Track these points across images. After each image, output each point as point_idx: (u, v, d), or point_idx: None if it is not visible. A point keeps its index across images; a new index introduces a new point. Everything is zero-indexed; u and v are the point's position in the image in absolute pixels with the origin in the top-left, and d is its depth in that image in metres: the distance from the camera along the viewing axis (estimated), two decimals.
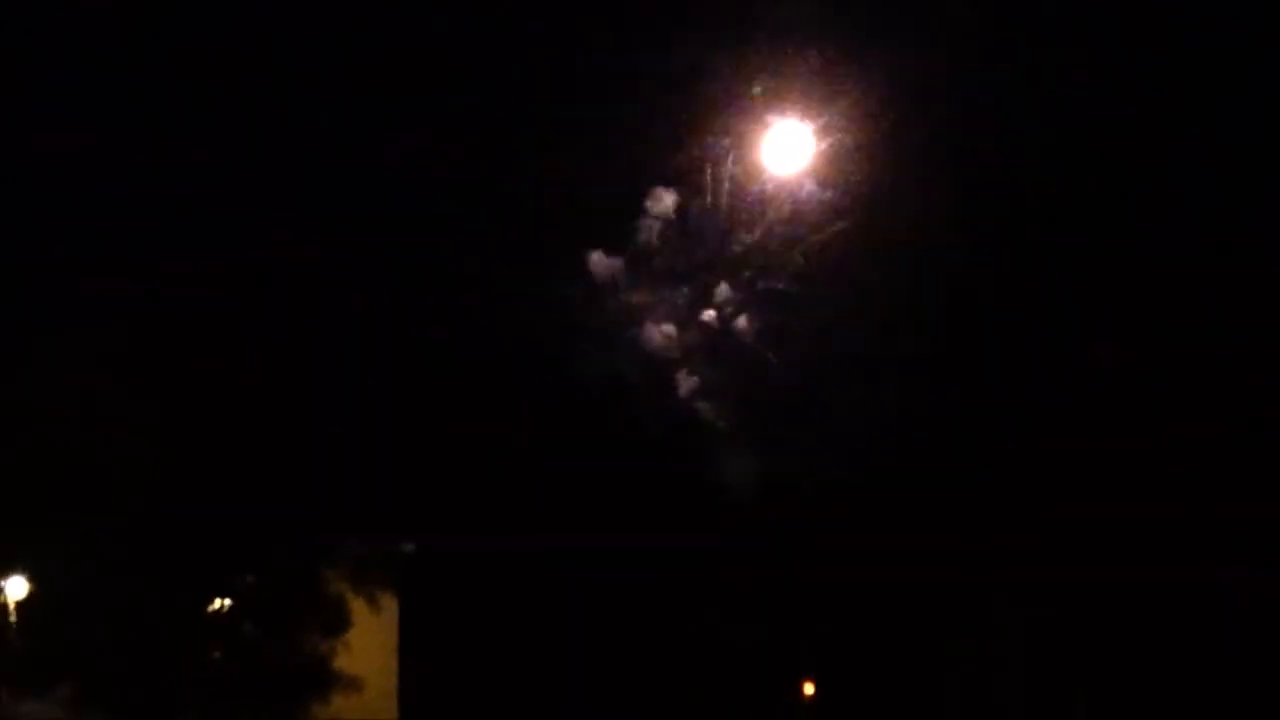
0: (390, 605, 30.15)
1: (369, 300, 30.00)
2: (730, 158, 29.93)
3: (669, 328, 30.90)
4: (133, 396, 27.63)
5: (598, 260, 30.51)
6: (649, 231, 30.70)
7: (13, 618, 27.81)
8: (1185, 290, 28.53)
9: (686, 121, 30.05)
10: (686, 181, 30.36)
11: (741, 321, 30.88)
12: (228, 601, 29.20)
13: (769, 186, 30.30)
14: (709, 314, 30.96)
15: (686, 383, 30.92)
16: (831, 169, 29.66)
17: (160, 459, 27.63)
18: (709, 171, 30.32)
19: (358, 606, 29.56)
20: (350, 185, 29.32)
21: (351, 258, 29.35)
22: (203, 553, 28.36)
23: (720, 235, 30.80)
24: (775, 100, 29.50)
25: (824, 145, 29.71)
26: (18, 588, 27.80)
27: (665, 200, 30.68)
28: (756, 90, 29.26)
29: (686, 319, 31.08)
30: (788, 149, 30.05)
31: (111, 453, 27.43)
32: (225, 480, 28.25)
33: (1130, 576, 27.30)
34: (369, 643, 29.59)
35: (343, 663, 29.10)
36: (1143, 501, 27.54)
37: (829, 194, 29.85)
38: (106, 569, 27.66)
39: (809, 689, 31.18)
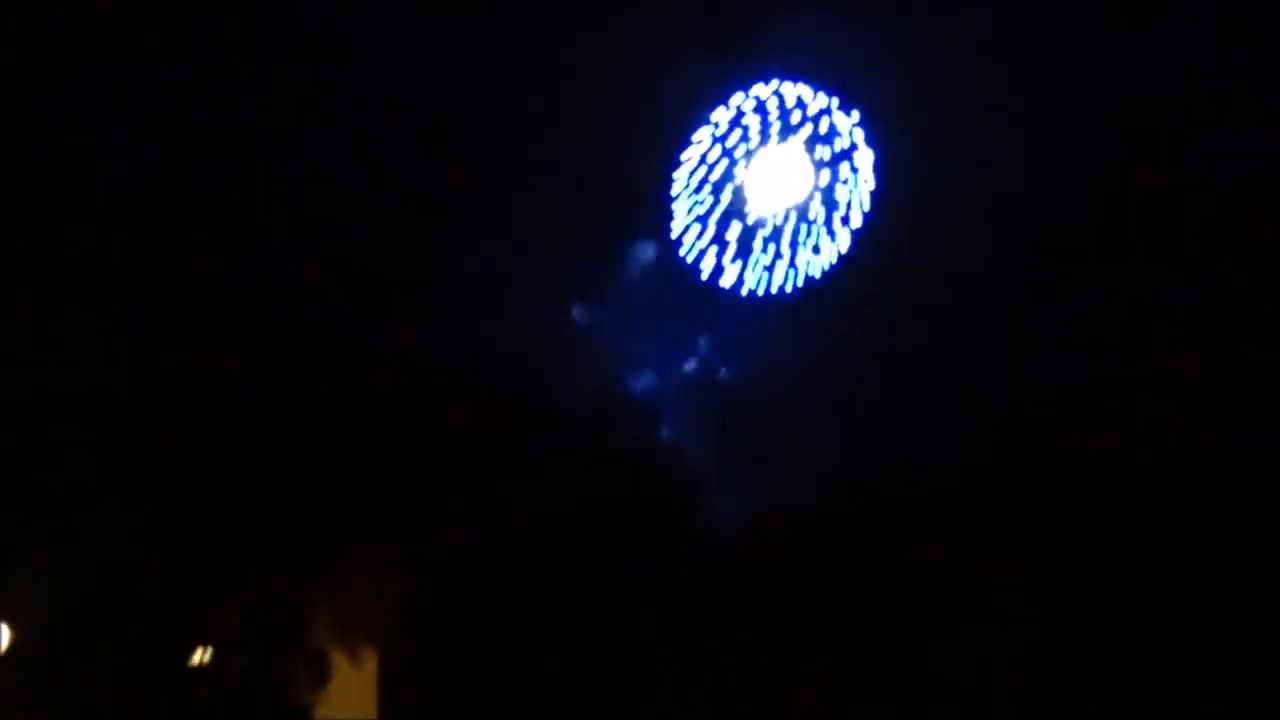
0: (370, 658, 30.30)
1: (349, 348, 30.06)
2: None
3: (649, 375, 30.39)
4: (116, 435, 27.78)
5: (579, 310, 30.14)
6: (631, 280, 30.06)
7: None
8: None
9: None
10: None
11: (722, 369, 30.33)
12: (210, 651, 29.43)
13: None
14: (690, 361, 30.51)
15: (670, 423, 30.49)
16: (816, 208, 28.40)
17: (146, 489, 27.80)
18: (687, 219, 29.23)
19: (339, 659, 29.82)
20: (330, 216, 29.16)
21: (332, 304, 29.38)
22: (189, 586, 28.58)
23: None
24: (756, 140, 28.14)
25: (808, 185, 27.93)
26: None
27: (647, 251, 29.65)
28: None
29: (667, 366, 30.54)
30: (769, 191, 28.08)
31: (96, 485, 27.59)
32: (213, 511, 28.45)
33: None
34: (349, 696, 29.78)
35: (323, 713, 29.37)
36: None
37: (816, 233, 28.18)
38: (92, 605, 27.82)
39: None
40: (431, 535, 30.25)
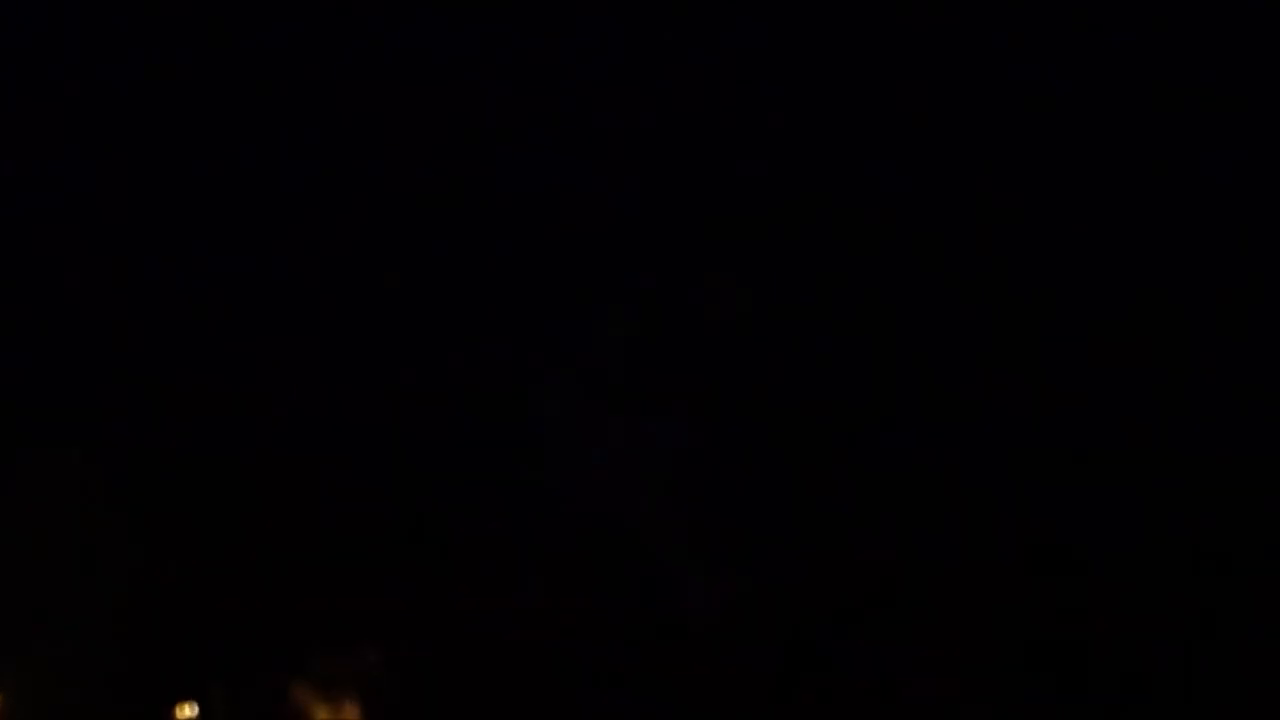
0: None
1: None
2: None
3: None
4: (105, 512, 27.73)
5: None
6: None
7: None
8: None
9: None
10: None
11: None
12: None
13: None
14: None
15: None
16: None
17: (127, 571, 27.84)
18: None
19: None
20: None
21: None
22: (171, 664, 28.71)
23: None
24: None
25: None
26: None
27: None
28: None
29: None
30: None
31: (81, 560, 27.61)
32: (195, 590, 28.50)
33: None
34: None
35: None
36: None
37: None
38: (73, 682, 27.97)
39: None
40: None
